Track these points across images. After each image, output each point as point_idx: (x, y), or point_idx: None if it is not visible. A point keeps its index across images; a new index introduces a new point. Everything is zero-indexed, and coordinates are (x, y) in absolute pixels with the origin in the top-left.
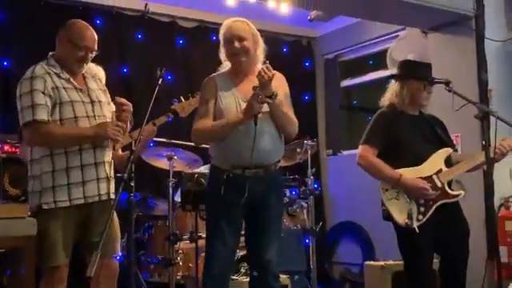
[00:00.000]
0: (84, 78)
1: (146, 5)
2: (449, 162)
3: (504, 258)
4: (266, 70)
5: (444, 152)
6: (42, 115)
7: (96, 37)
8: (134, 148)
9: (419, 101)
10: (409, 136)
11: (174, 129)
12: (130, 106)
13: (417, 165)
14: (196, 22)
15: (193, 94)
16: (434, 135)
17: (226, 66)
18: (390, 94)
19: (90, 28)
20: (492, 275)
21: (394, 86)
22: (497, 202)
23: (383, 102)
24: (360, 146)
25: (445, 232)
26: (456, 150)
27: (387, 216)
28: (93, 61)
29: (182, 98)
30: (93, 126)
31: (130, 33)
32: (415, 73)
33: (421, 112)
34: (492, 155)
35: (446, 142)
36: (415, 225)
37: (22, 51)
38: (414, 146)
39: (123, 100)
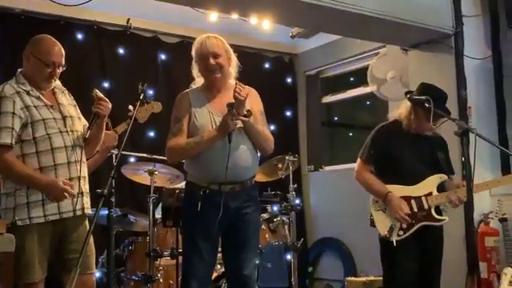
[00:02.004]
0: (54, 93)
1: (129, 20)
2: (441, 187)
3: (484, 274)
4: (241, 89)
5: (438, 177)
6: (6, 138)
7: (63, 52)
8: (114, 163)
9: (423, 129)
10: (404, 154)
11: (156, 144)
12: (108, 104)
13: (408, 183)
14: (178, 38)
15: (147, 100)
16: (432, 158)
17: (199, 82)
18: (400, 112)
19: (57, 43)
20: None
21: (406, 105)
22: (476, 217)
23: (391, 116)
24: (357, 160)
25: (422, 253)
26: (451, 174)
27: (373, 225)
28: (73, 75)
29: (136, 104)
30: (45, 181)
31: (112, 48)
32: (417, 97)
33: None
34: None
35: (442, 166)
36: (394, 239)
37: (1, 66)
38: (408, 164)
39: (102, 96)
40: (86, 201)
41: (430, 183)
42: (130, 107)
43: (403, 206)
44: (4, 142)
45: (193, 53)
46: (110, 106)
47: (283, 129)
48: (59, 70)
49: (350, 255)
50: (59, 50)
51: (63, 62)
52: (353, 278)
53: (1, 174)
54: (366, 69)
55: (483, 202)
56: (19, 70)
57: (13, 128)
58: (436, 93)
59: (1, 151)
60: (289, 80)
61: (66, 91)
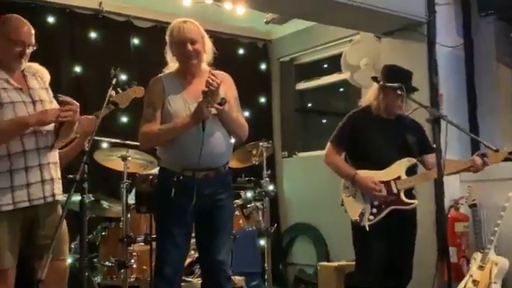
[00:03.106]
0: (24, 76)
1: (101, 3)
2: (411, 171)
3: (454, 259)
4: (214, 79)
5: (406, 161)
6: None
7: (33, 31)
8: (86, 149)
9: (392, 108)
10: (374, 139)
11: (129, 129)
12: (75, 106)
13: (379, 168)
14: (152, 22)
15: (129, 84)
16: (403, 142)
17: (172, 66)
18: (369, 96)
19: (27, 22)
20: (442, 276)
21: (374, 88)
22: (447, 203)
23: (363, 102)
24: (328, 144)
25: (393, 236)
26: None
27: (345, 211)
28: (44, 59)
29: (118, 89)
30: (33, 115)
31: (84, 32)
32: (387, 79)
33: (399, 116)
34: (443, 160)
35: (411, 150)
36: (365, 223)
37: None
38: (378, 149)
39: (67, 98)
40: (58, 187)
41: (399, 167)
42: (113, 92)
43: (371, 182)
44: None
45: (167, 37)
46: (77, 107)
47: (257, 115)
48: (29, 50)
49: (323, 240)
50: (28, 29)
51: (33, 42)
52: (325, 263)
53: None
54: (339, 56)
55: (453, 188)
56: None
57: None
58: (403, 75)
59: None
60: (263, 66)
61: (38, 74)
